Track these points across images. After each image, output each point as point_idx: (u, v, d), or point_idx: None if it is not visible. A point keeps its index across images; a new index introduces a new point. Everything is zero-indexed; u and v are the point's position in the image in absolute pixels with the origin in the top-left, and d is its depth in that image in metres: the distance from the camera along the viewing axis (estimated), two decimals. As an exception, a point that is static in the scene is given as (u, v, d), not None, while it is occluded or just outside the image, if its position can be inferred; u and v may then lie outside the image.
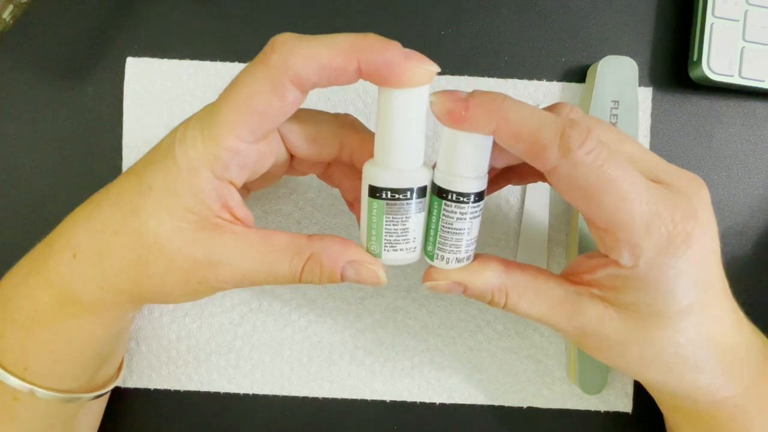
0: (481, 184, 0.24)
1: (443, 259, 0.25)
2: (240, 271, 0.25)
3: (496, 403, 0.36)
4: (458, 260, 0.25)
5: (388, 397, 0.36)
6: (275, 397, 0.36)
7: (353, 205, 0.30)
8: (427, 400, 0.36)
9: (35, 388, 0.27)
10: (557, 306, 0.25)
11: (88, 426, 0.32)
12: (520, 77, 0.36)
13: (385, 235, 0.25)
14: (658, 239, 0.23)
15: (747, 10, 0.34)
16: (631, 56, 0.34)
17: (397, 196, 0.24)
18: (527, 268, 0.26)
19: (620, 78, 0.34)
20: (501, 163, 0.26)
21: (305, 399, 0.36)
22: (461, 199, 0.24)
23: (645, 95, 0.36)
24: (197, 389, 0.36)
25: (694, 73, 0.35)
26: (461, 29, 0.36)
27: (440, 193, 0.24)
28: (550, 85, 0.36)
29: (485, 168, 0.24)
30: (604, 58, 0.34)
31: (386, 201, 0.24)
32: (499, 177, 0.30)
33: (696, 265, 0.24)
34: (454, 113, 0.23)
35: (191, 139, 0.24)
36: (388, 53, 0.22)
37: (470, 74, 0.36)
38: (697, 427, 0.29)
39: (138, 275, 0.25)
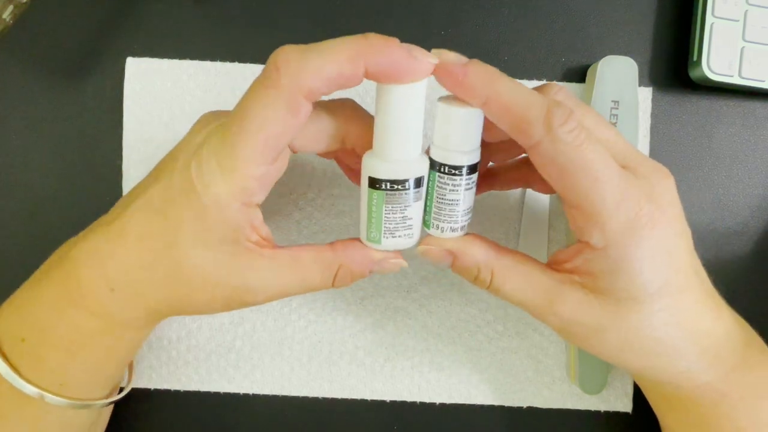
0: (473, 158, 0.25)
1: (438, 228, 0.27)
2: (276, 291, 0.26)
3: (496, 403, 0.36)
4: (452, 230, 0.27)
5: (388, 397, 0.36)
6: (275, 397, 0.36)
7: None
8: (427, 400, 0.36)
9: (84, 402, 0.28)
10: (541, 293, 0.26)
11: (101, 429, 0.33)
12: (520, 77, 0.36)
13: (385, 223, 0.26)
14: (625, 220, 0.24)
15: (747, 10, 0.34)
16: (631, 56, 0.34)
17: (396, 186, 0.25)
18: (516, 253, 0.27)
19: (620, 78, 0.34)
20: (491, 138, 0.27)
21: (305, 399, 0.36)
22: (454, 171, 0.25)
23: (645, 95, 0.36)
24: (197, 389, 0.36)
25: (694, 73, 0.35)
26: (461, 29, 0.36)
27: (435, 166, 0.25)
28: (550, 85, 0.36)
29: (477, 142, 0.25)
30: (604, 58, 0.34)
31: (386, 191, 0.25)
32: (481, 182, 0.30)
33: (661, 246, 0.25)
34: (453, 76, 0.24)
35: (210, 176, 0.24)
36: (392, 54, 0.22)
37: (470, 74, 0.36)
38: (682, 415, 0.30)
39: (181, 304, 0.26)
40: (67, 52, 0.35)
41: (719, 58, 0.34)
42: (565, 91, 0.26)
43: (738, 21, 0.34)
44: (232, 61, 0.35)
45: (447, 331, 0.36)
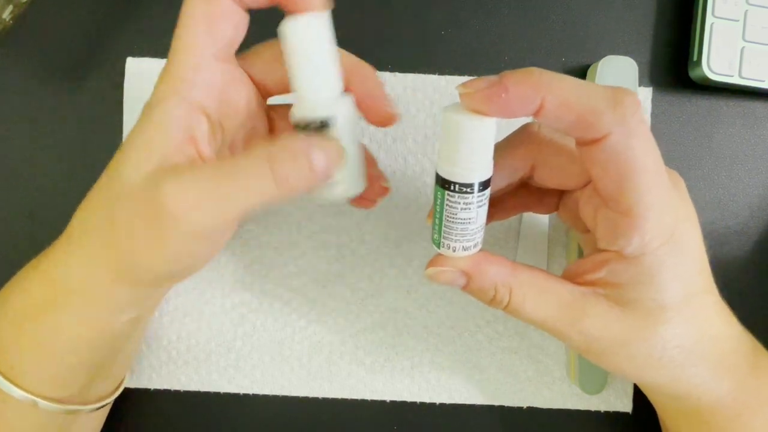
0: (485, 174, 0.23)
1: (450, 247, 0.25)
2: (212, 206, 0.22)
3: (496, 403, 0.36)
4: (465, 248, 0.25)
5: (388, 397, 0.36)
6: (275, 397, 0.36)
7: None
8: (427, 400, 0.36)
9: (35, 398, 0.26)
10: (562, 309, 0.25)
11: None
12: (520, 77, 0.36)
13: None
14: (665, 228, 0.23)
15: (747, 10, 0.34)
16: (631, 56, 0.34)
17: (312, 126, 0.24)
18: (532, 269, 0.25)
19: (620, 78, 0.34)
20: (502, 183, 0.26)
21: (305, 399, 0.36)
22: (465, 189, 0.23)
23: (645, 95, 0.36)
24: (197, 389, 0.36)
25: (694, 73, 0.35)
26: (461, 29, 0.36)
27: (443, 184, 0.23)
28: (550, 85, 0.36)
29: (489, 155, 0.23)
30: (604, 58, 0.34)
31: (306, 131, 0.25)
32: None
33: (690, 250, 0.24)
34: (494, 99, 0.21)
35: (158, 81, 0.24)
36: None
37: (470, 74, 0.36)
38: (703, 429, 0.28)
39: (125, 250, 0.23)
40: (67, 52, 0.35)
41: (719, 58, 0.34)
42: None
43: (738, 21, 0.34)
44: (232, 61, 0.35)
45: (447, 331, 0.36)
